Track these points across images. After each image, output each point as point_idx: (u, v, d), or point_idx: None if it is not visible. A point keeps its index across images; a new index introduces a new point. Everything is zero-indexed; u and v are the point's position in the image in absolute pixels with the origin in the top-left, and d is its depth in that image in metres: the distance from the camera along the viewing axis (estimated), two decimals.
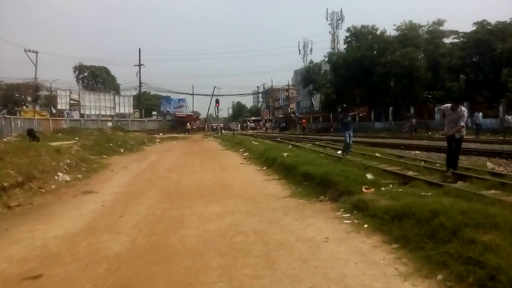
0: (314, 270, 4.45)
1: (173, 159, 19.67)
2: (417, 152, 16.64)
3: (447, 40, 42.04)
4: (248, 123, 76.87)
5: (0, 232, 6.51)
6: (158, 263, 4.87)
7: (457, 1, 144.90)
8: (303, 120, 54.07)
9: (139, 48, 69.51)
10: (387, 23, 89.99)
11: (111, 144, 25.35)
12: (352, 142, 14.49)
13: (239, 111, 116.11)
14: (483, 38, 36.44)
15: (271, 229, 6.21)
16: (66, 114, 54.43)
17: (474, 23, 38.46)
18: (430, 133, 31.26)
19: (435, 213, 5.11)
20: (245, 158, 18.43)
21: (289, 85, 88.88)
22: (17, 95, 57.18)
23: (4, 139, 24.44)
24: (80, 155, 17.00)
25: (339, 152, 14.78)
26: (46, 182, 11.27)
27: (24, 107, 54.45)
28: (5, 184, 9.14)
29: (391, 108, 42.35)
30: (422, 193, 6.82)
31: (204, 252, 5.22)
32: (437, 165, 10.93)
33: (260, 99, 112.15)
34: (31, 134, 22.20)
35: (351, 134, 13.92)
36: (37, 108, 52.82)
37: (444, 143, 10.33)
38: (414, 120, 35.16)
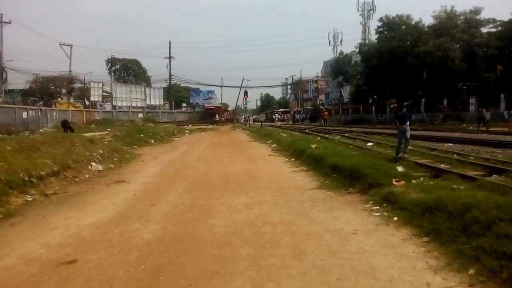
0: (342, 262, 4.43)
1: (202, 150, 19.88)
2: (449, 144, 16.18)
3: (484, 29, 40.48)
4: (277, 114, 76.52)
5: (38, 219, 6.78)
6: (187, 251, 4.96)
7: None
8: (325, 113, 54.73)
9: (169, 41, 70.32)
10: (420, 13, 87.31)
11: (142, 135, 25.83)
12: (409, 137, 11.47)
13: (267, 102, 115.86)
14: None
15: (299, 220, 6.22)
16: (99, 106, 55.75)
17: None
18: (464, 125, 30.31)
19: (468, 207, 4.99)
20: (273, 150, 18.43)
21: (318, 77, 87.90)
22: (53, 87, 59.04)
23: (40, 130, 25.33)
24: (112, 146, 17.41)
25: (392, 151, 12.04)
26: (80, 172, 11.63)
27: (59, 99, 56.20)
28: (42, 173, 9.49)
29: (423, 99, 41.28)
30: (455, 187, 6.66)
31: (232, 241, 5.28)
32: (471, 158, 10.63)
33: (289, 91, 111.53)
34: (66, 125, 22.84)
35: (408, 128, 11.17)
36: (71, 100, 54.38)
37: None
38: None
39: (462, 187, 6.67)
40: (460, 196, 5.51)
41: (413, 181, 7.63)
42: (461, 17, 41.26)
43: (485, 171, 8.57)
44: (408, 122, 11.24)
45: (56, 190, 9.27)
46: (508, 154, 12.29)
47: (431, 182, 7.26)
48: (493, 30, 39.57)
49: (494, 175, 8.05)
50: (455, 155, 11.37)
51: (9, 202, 7.68)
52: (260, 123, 48.51)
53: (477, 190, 6.08)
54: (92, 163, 12.93)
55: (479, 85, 38.62)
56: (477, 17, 40.31)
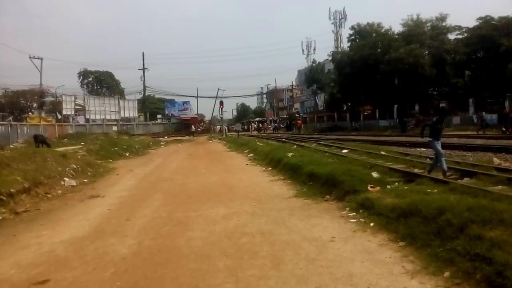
0: (321, 270, 4.44)
1: (178, 162, 19.71)
2: (422, 149, 16.52)
3: (451, 36, 41.83)
4: (253, 124, 76.70)
5: (8, 238, 6.56)
6: (164, 265, 4.88)
7: None
8: (299, 121, 56.79)
9: (143, 52, 69.69)
10: (389, 21, 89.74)
11: (117, 148, 25.45)
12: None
13: (243, 112, 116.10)
14: (487, 34, 36.19)
15: (277, 229, 6.21)
16: (71, 120, 54.69)
17: (478, 19, 38.25)
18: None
19: (441, 210, 5.09)
20: (250, 160, 18.43)
21: (292, 85, 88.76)
22: (23, 101, 57.65)
23: (11, 146, 24.61)
24: (86, 160, 17.08)
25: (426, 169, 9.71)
26: (53, 188, 11.34)
27: (30, 113, 54.81)
28: (12, 190, 9.21)
29: (396, 106, 42.17)
30: (428, 191, 6.80)
31: (211, 253, 5.23)
32: None
33: (264, 100, 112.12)
34: (39, 140, 22.20)
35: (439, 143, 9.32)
36: (43, 114, 53.11)
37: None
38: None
39: (435, 191, 6.81)
40: (433, 200, 5.63)
41: (388, 186, 7.75)
42: (428, 24, 42.50)
43: (457, 175, 8.82)
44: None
45: (28, 208, 9.00)
46: (478, 157, 12.65)
47: (406, 187, 7.38)
48: (460, 36, 40.91)
49: (465, 178, 8.28)
50: (428, 159, 11.61)
51: None
52: (237, 133, 48.50)
53: (450, 194, 6.22)
54: (65, 178, 12.63)
55: (448, 90, 39.74)
56: (443, 24, 41.61)
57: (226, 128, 61.55)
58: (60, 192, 11.22)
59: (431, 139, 9.33)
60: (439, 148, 9.19)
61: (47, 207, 9.25)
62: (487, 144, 16.19)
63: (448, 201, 5.38)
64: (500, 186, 7.10)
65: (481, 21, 37.92)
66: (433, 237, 4.76)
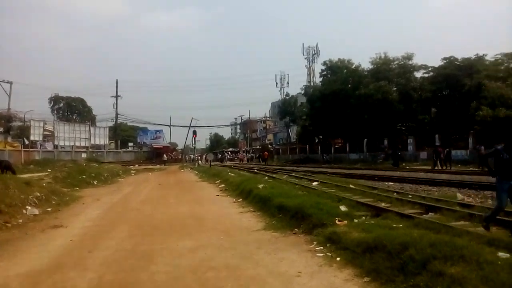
0: None
1: (147, 191, 19.36)
2: (390, 183, 16.87)
3: (417, 74, 43.59)
4: (226, 154, 76.60)
5: None
6: None
7: (425, 36, 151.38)
8: (265, 153, 57.92)
9: (116, 80, 69.49)
10: (362, 57, 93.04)
11: (85, 176, 24.85)
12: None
13: (216, 142, 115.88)
14: (451, 73, 37.94)
15: (244, 263, 6.13)
16: (39, 145, 53.25)
17: (443, 59, 40.12)
18: (403, 163, 31.83)
19: (405, 246, 5.16)
20: (221, 190, 18.29)
21: (266, 117, 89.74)
22: None
23: None
24: (51, 188, 16.55)
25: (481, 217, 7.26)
26: (13, 216, 10.89)
27: None
28: None
29: (365, 139, 43.15)
30: (394, 225, 6.90)
31: None
32: (409, 196, 11.11)
33: (238, 131, 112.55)
34: (3, 166, 21.30)
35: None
36: (9, 139, 51.55)
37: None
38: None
39: (401, 225, 6.92)
40: (398, 234, 5.70)
41: (355, 220, 7.83)
42: (395, 62, 44.27)
43: (422, 209, 8.99)
44: None
45: None
46: (443, 192, 12.98)
47: (372, 221, 7.47)
48: (426, 75, 42.68)
49: (430, 213, 8.45)
50: (395, 193, 11.85)
51: None
52: (209, 163, 48.29)
53: (414, 229, 6.33)
54: (27, 206, 12.16)
55: (415, 125, 41.06)
56: (410, 62, 43.43)
57: (202, 157, 61.56)
58: (21, 221, 10.77)
59: (498, 177, 6.68)
60: (505, 197, 6.59)
61: (6, 237, 8.84)
62: (450, 179, 16.68)
63: (412, 236, 5.46)
64: (462, 222, 7.28)
65: (445, 61, 39.75)
66: (397, 272, 4.80)
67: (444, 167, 26.74)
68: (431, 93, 39.99)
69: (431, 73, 41.55)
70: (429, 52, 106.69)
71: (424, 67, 42.68)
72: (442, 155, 27.85)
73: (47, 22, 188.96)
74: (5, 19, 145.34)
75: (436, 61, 42.82)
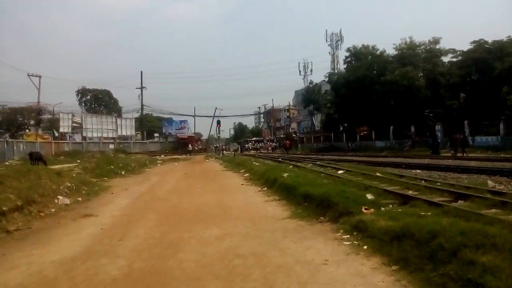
0: None
1: (174, 181, 19.64)
2: (417, 171, 16.57)
3: (445, 59, 42.43)
4: (250, 143, 76.76)
5: None
6: None
7: (453, 18, 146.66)
8: (287, 142, 57.34)
9: (141, 71, 70.45)
10: (386, 43, 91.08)
11: (113, 167, 25.36)
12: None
13: (240, 131, 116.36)
14: (481, 57, 36.74)
15: (270, 252, 6.15)
16: (68, 137, 54.69)
17: (472, 42, 38.87)
18: (430, 151, 31.16)
19: (434, 234, 5.07)
20: (245, 179, 18.39)
21: (289, 106, 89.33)
22: (20, 119, 57.73)
23: (6, 163, 24.48)
24: (81, 178, 16.99)
25: None
26: (46, 206, 11.24)
27: (27, 130, 54.84)
28: (4, 209, 9.12)
29: (391, 127, 42.43)
30: (422, 213, 6.77)
31: (202, 276, 5.17)
32: (438, 184, 10.89)
33: (262, 120, 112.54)
34: (35, 157, 22.01)
35: None
36: (40, 132, 53.12)
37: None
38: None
39: (429, 213, 6.79)
40: (426, 223, 5.61)
41: (382, 208, 7.73)
42: (421, 47, 43.15)
43: (451, 197, 8.78)
44: None
45: (19, 226, 8.91)
46: (473, 180, 12.67)
47: (399, 210, 7.37)
48: (454, 59, 41.48)
49: (459, 201, 8.26)
50: (423, 181, 11.62)
51: None
52: (233, 152, 48.55)
53: (443, 217, 6.19)
54: (59, 196, 12.53)
55: (443, 112, 40.07)
56: (437, 46, 42.27)
57: (225, 147, 61.96)
58: (53, 210, 11.12)
59: None
60: None
61: (39, 226, 9.15)
62: (481, 166, 16.24)
63: (441, 224, 5.36)
64: (493, 210, 7.09)
65: (475, 45, 38.51)
66: (426, 261, 4.73)
67: (460, 154, 25.88)
68: (459, 78, 38.86)
69: (460, 57, 40.34)
70: (457, 35, 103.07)
71: (452, 51, 41.49)
72: (457, 142, 27.20)
73: (72, 16, 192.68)
74: (32, 14, 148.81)
75: (464, 44, 41.60)
